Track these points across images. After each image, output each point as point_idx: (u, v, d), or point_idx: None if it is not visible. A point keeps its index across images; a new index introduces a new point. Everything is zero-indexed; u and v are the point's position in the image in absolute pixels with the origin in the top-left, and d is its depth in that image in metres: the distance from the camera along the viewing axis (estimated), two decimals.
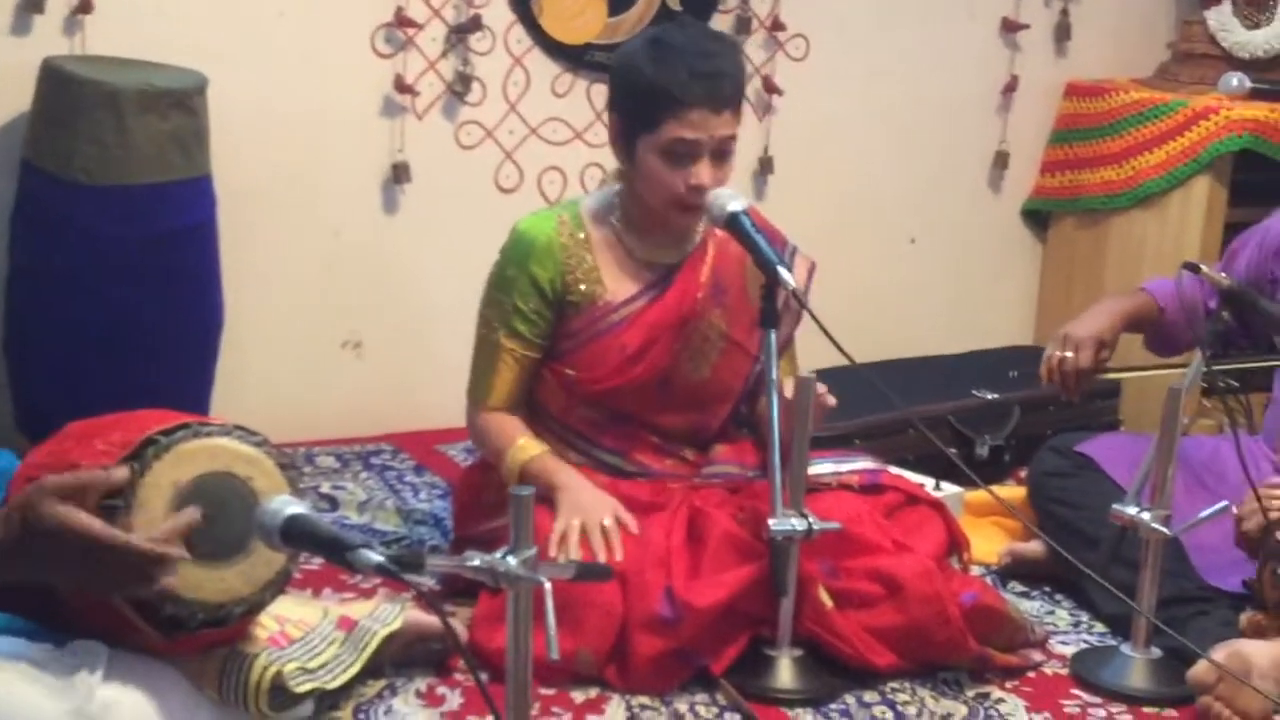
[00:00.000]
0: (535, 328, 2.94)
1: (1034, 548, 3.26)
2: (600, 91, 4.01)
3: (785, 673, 2.73)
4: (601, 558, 2.70)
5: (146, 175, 3.20)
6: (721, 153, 2.83)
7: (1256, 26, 4.50)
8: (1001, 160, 4.66)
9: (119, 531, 1.92)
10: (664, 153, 2.81)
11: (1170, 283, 3.27)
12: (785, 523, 2.64)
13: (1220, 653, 2.68)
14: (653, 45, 2.84)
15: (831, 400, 2.80)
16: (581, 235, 2.96)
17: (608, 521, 2.76)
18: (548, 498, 2.79)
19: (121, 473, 2.00)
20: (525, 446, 2.88)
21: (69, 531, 1.88)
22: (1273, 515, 2.73)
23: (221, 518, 2.07)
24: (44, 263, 3.26)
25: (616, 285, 2.95)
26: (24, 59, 3.31)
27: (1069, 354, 3.14)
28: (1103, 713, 2.77)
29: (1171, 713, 2.78)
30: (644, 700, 2.68)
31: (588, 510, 2.77)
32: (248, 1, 3.60)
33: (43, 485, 1.91)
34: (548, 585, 1.91)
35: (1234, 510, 2.81)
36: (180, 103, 3.22)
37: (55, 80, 3.23)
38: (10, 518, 1.90)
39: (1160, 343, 3.32)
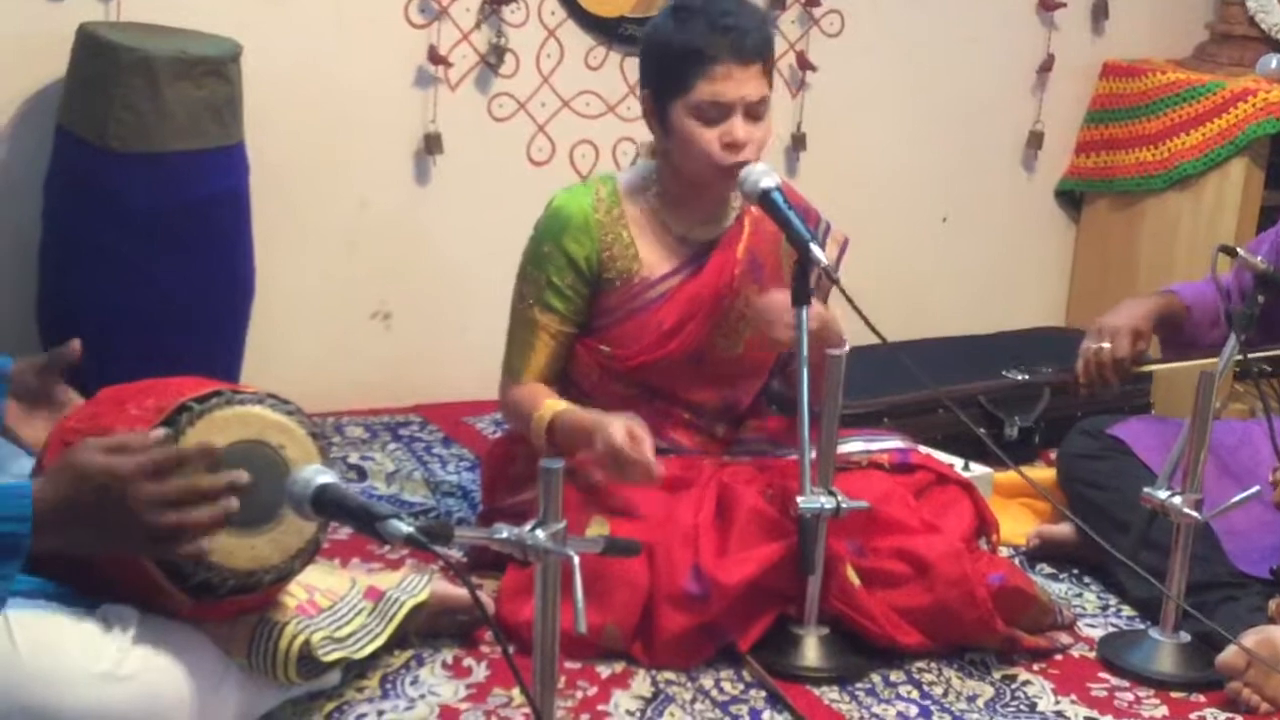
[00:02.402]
0: (571, 304, 2.93)
1: (1063, 530, 3.25)
2: (633, 65, 3.97)
3: (811, 651, 2.73)
4: (648, 460, 2.68)
5: (180, 143, 3.21)
6: (754, 113, 2.83)
7: None
8: (1036, 140, 4.64)
9: (170, 448, 1.94)
10: (697, 113, 2.81)
11: (1195, 286, 3.26)
12: (814, 501, 2.63)
13: (1250, 638, 2.68)
14: (674, 11, 2.87)
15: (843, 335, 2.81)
16: (618, 211, 2.95)
17: (637, 426, 2.72)
18: (580, 447, 2.77)
19: (159, 434, 2.00)
20: (550, 405, 2.87)
21: (116, 479, 1.89)
22: None
23: (253, 485, 2.07)
24: (77, 229, 3.27)
25: (653, 261, 2.94)
26: (60, 25, 3.31)
27: (1105, 344, 3.12)
28: (1130, 696, 2.77)
29: (1200, 698, 2.77)
30: (670, 675, 2.68)
31: (614, 422, 2.72)
32: None
33: (86, 443, 1.92)
34: (576, 559, 1.91)
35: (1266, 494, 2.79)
36: (215, 70, 3.22)
37: (90, 46, 3.24)
38: (57, 476, 1.91)
39: (1181, 344, 3.29)
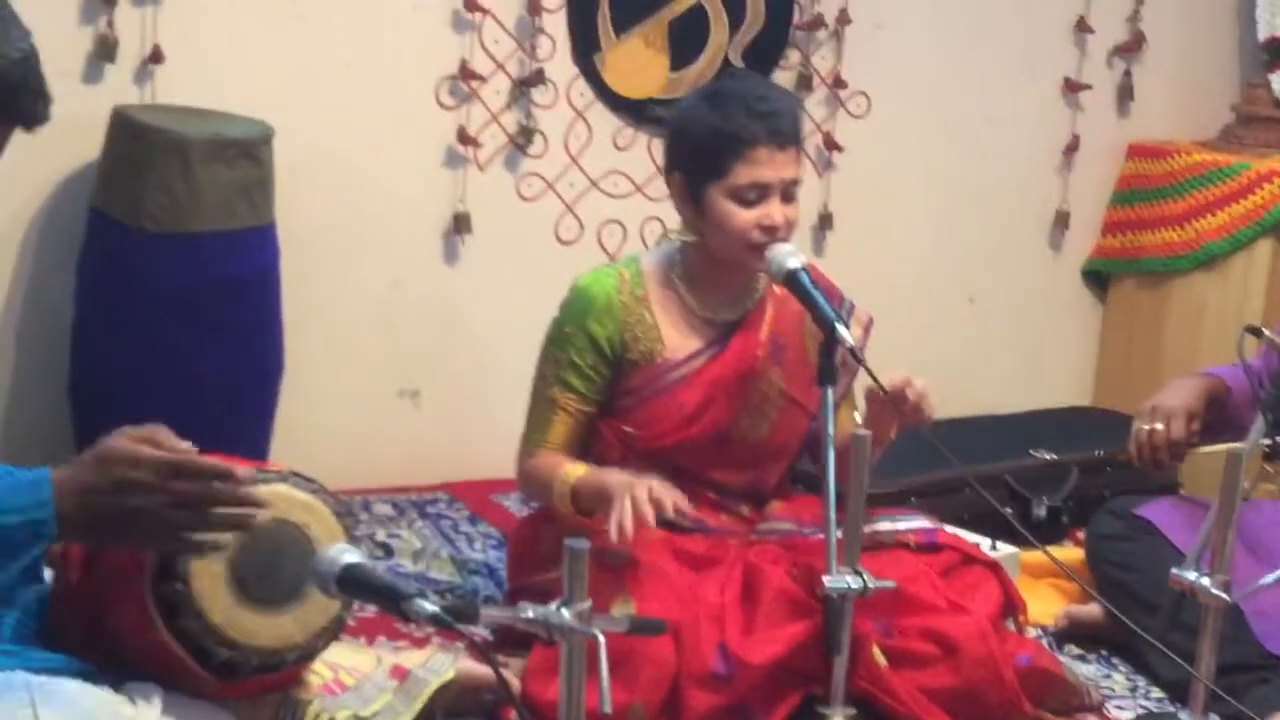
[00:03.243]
0: (591, 383, 2.95)
1: (1091, 611, 3.23)
2: (661, 146, 4.02)
3: None
4: (667, 509, 2.67)
5: (212, 223, 3.24)
6: (790, 194, 2.86)
7: None
8: (1062, 220, 4.65)
9: (194, 456, 1.96)
10: (735, 197, 2.84)
11: (1232, 369, 3.25)
12: (840, 580, 2.62)
13: None
14: (710, 97, 2.91)
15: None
16: (641, 292, 2.97)
17: (657, 486, 2.72)
18: (602, 507, 2.77)
19: (188, 443, 2.02)
20: (571, 470, 2.87)
21: (144, 462, 1.91)
22: None
23: (278, 564, 2.08)
24: (110, 308, 3.30)
25: (676, 343, 2.96)
26: (95, 107, 3.36)
27: (1159, 426, 3.10)
28: None
29: None
30: None
31: (636, 483, 2.72)
32: (315, 53, 3.65)
33: (117, 431, 1.97)
34: (601, 638, 1.91)
35: None
36: (247, 152, 3.26)
37: (125, 129, 3.28)
38: (81, 462, 1.94)
39: (1223, 426, 3.27)
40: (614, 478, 2.80)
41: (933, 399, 2.84)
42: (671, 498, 2.73)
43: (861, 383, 2.87)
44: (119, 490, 1.93)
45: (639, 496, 2.69)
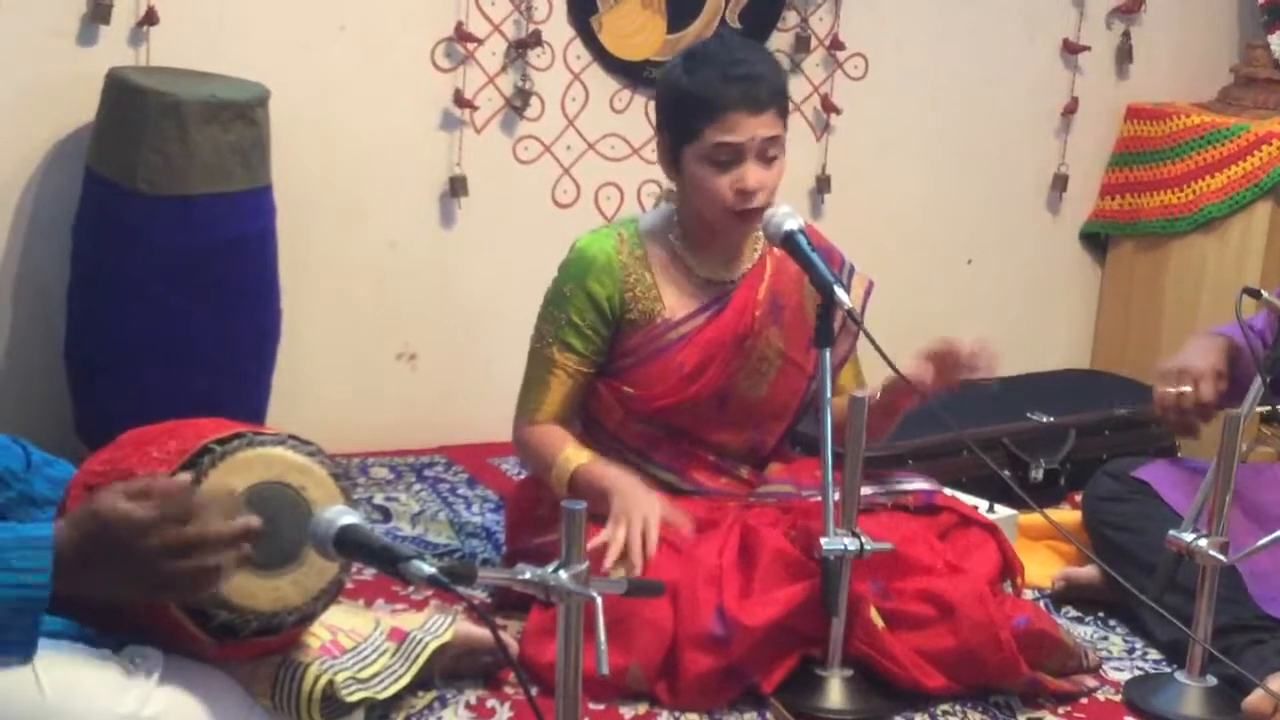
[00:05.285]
0: (590, 344, 2.95)
1: (1088, 572, 3.23)
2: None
3: (835, 693, 2.72)
4: (636, 573, 2.68)
5: (208, 186, 3.23)
6: (766, 155, 2.85)
7: None
8: (1060, 182, 4.64)
9: (192, 495, 1.95)
10: (708, 160, 2.83)
11: (1234, 327, 3.23)
12: (837, 542, 2.63)
13: (1276, 682, 2.66)
14: (687, 58, 2.91)
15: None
16: (640, 252, 2.97)
17: (652, 525, 2.73)
18: (599, 504, 2.78)
19: (183, 480, 2.02)
20: (572, 456, 2.88)
21: (133, 527, 1.90)
22: None
23: (275, 527, 2.08)
24: (105, 271, 3.29)
25: (675, 303, 2.96)
26: (90, 69, 3.35)
27: (1186, 389, 3.07)
28: None
29: None
30: (693, 717, 2.68)
31: (634, 515, 2.75)
32: (310, 15, 3.63)
33: (110, 488, 1.94)
34: (599, 600, 1.91)
35: None
36: (242, 114, 3.25)
37: (120, 90, 3.27)
38: (78, 521, 1.92)
39: (1235, 386, 3.25)
40: (616, 485, 2.80)
41: (988, 355, 2.84)
42: (664, 528, 2.74)
43: (865, 349, 2.87)
44: (116, 553, 1.91)
45: (633, 536, 2.71)
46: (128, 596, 2.01)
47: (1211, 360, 3.08)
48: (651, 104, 3.97)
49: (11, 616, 1.90)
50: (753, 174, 2.83)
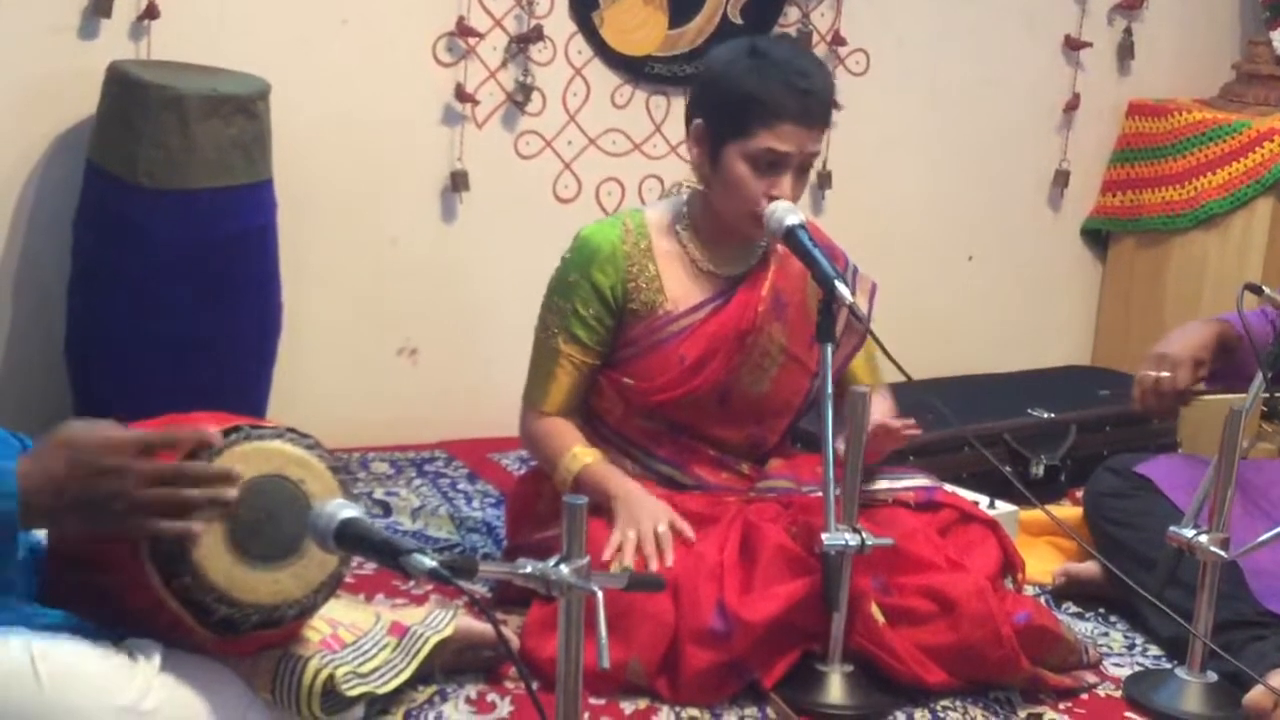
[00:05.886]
0: (594, 334, 2.94)
1: (1089, 568, 3.23)
2: (659, 104, 4.02)
3: (836, 688, 2.72)
4: (654, 566, 2.69)
5: (209, 180, 3.23)
6: (804, 168, 2.87)
7: None
8: (1062, 179, 4.64)
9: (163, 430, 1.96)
10: (751, 161, 2.83)
11: (1248, 315, 3.23)
12: (838, 538, 2.63)
13: (1276, 678, 2.66)
14: (752, 55, 2.87)
15: (913, 431, 2.84)
16: (645, 243, 2.96)
17: (662, 529, 2.76)
18: (602, 507, 2.79)
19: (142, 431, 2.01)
20: (579, 455, 2.89)
21: (109, 449, 1.90)
22: None
23: (274, 520, 2.08)
24: (106, 265, 3.29)
25: (678, 295, 2.95)
26: (91, 63, 3.34)
27: (1165, 374, 3.08)
28: None
29: None
30: (693, 712, 2.68)
31: (643, 519, 2.77)
32: (311, 9, 3.63)
33: (72, 422, 1.95)
34: (600, 594, 1.91)
35: None
36: (243, 108, 3.25)
37: (121, 84, 3.27)
38: (45, 452, 1.92)
39: (1232, 374, 3.26)
40: (621, 491, 2.81)
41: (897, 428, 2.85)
42: (671, 538, 2.75)
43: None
44: (90, 476, 1.91)
45: (645, 536, 2.73)
46: (93, 528, 1.99)
47: (1192, 347, 3.10)
48: (653, 99, 4.01)
49: None
50: (789, 185, 2.84)
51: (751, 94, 2.82)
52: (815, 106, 2.84)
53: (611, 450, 2.96)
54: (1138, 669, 2.97)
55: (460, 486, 3.65)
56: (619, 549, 2.73)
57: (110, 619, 2.12)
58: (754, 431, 3.04)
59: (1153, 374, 3.10)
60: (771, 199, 2.82)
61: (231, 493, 2.01)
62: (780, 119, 2.81)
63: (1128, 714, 2.81)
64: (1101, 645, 3.05)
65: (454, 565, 1.83)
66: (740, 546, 2.80)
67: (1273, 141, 4.27)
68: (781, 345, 2.97)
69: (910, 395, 3.03)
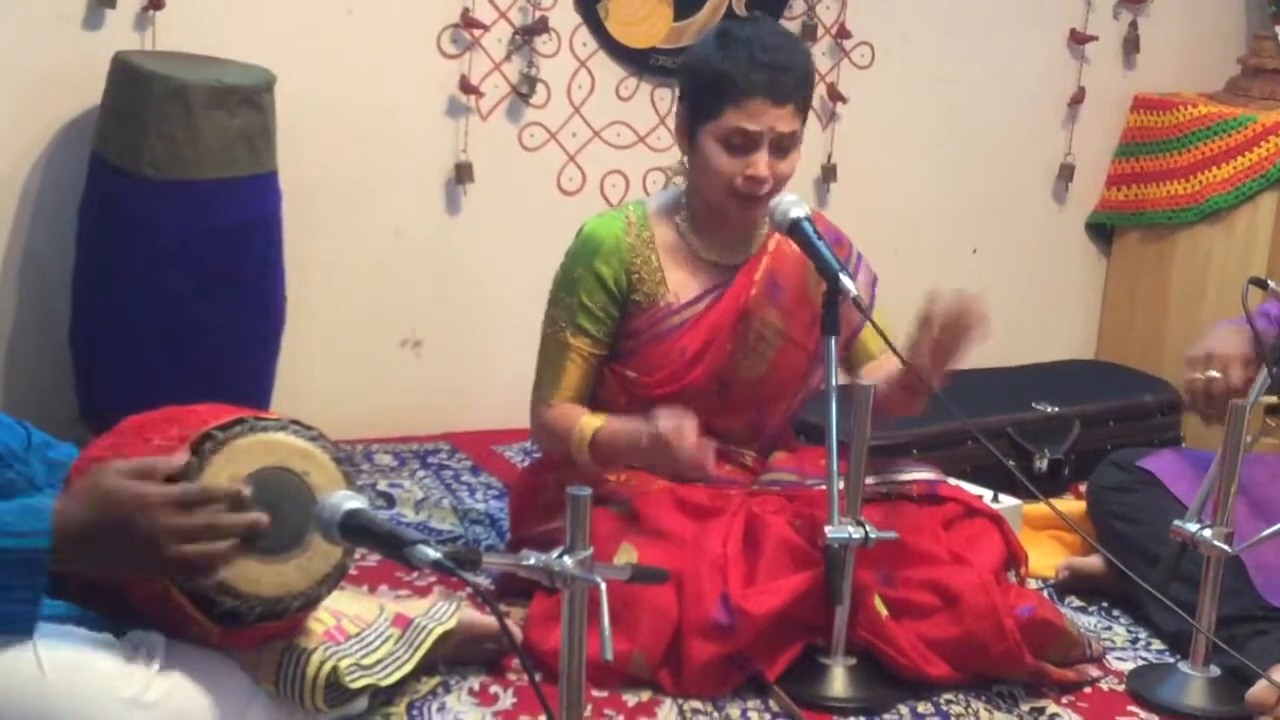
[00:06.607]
0: (601, 325, 2.94)
1: (1092, 562, 3.23)
2: (664, 96, 4.02)
3: (839, 681, 2.72)
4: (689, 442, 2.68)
5: (214, 171, 3.23)
6: (781, 147, 2.84)
7: None
8: (1066, 172, 4.63)
9: (200, 486, 1.96)
10: (723, 141, 2.83)
11: (1242, 319, 3.22)
12: (842, 531, 2.63)
13: None
14: (720, 35, 2.89)
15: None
16: (647, 234, 2.96)
17: (688, 422, 2.71)
18: (627, 459, 2.81)
19: (182, 456, 2.02)
20: (588, 423, 2.86)
21: (141, 506, 1.90)
22: None
23: (279, 512, 2.08)
24: (110, 256, 3.29)
25: (680, 286, 2.95)
26: (95, 53, 3.34)
27: (1216, 374, 3.02)
28: None
29: None
30: (696, 705, 2.68)
31: (667, 422, 2.71)
32: (316, 0, 3.62)
33: (112, 466, 1.94)
34: (603, 586, 1.91)
35: None
36: (248, 99, 3.25)
37: (125, 75, 3.26)
38: (81, 496, 1.93)
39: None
40: (636, 424, 2.78)
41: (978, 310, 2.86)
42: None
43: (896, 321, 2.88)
44: (121, 530, 1.93)
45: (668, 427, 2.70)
46: (127, 573, 2.01)
47: (1240, 346, 3.05)
48: (658, 91, 4.01)
49: (12, 576, 1.91)
50: (764, 163, 2.83)
51: (719, 72, 2.82)
52: (784, 81, 2.82)
53: None
54: (1141, 663, 2.97)
55: (464, 478, 3.65)
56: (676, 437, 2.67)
57: (114, 611, 2.12)
58: (754, 417, 3.04)
59: (1203, 376, 3.03)
60: (748, 180, 2.82)
61: (263, 519, 2.02)
62: (748, 95, 2.80)
63: (1130, 708, 2.81)
64: (1105, 639, 3.05)
65: (458, 557, 1.84)
66: (744, 539, 2.80)
67: (1278, 136, 4.26)
68: (777, 329, 2.97)
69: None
